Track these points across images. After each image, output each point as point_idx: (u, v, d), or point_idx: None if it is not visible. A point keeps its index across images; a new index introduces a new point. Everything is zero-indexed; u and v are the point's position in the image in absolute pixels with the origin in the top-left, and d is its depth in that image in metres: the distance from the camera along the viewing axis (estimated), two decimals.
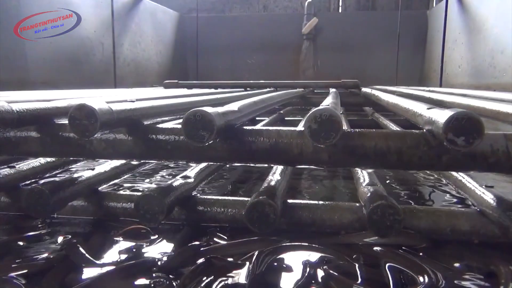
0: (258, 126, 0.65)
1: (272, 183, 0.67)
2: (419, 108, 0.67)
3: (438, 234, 0.62)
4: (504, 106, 0.74)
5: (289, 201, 0.68)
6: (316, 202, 0.67)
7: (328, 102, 0.85)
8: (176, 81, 2.37)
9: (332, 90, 1.96)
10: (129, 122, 0.63)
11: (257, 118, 1.70)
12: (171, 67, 4.05)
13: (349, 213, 0.65)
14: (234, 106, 0.67)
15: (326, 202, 0.67)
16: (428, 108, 0.63)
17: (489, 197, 0.61)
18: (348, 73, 3.62)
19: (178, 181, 0.71)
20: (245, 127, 0.64)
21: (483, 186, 0.65)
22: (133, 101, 0.68)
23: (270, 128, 0.62)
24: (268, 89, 2.12)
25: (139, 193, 0.65)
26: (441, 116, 0.51)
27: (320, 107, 0.54)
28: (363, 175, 0.74)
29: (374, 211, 0.54)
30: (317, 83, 2.30)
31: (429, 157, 0.57)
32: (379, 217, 0.53)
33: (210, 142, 0.54)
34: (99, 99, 0.79)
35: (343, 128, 0.52)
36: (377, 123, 1.79)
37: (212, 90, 2.16)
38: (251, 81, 2.30)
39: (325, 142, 0.51)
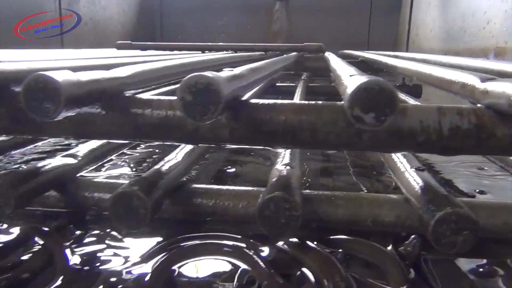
0: (149, 95, 0.53)
1: (166, 166, 0.55)
2: (344, 74, 0.56)
3: (357, 225, 0.53)
4: (449, 73, 0.63)
5: (191, 186, 0.57)
6: (219, 187, 0.56)
7: (258, 64, 0.72)
8: (129, 42, 2.19)
9: (292, 54, 1.83)
10: None
11: None
12: (136, 28, 3.81)
13: (256, 200, 0.54)
14: (121, 71, 0.54)
15: (231, 188, 0.56)
16: (351, 75, 0.52)
17: (416, 183, 0.51)
18: (322, 37, 3.45)
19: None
20: (132, 96, 0.52)
21: (413, 169, 0.55)
22: None
23: (162, 97, 0.50)
24: (225, 52, 1.98)
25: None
26: (351, 85, 0.40)
27: (200, 72, 0.42)
28: (285, 152, 0.63)
29: (266, 205, 0.43)
30: (279, 47, 2.16)
31: (348, 135, 0.46)
32: (272, 213, 0.43)
33: (58, 118, 0.41)
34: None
35: (224, 99, 0.40)
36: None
37: (167, 53, 2.00)
38: (209, 43, 2.14)
39: (202, 118, 0.40)
